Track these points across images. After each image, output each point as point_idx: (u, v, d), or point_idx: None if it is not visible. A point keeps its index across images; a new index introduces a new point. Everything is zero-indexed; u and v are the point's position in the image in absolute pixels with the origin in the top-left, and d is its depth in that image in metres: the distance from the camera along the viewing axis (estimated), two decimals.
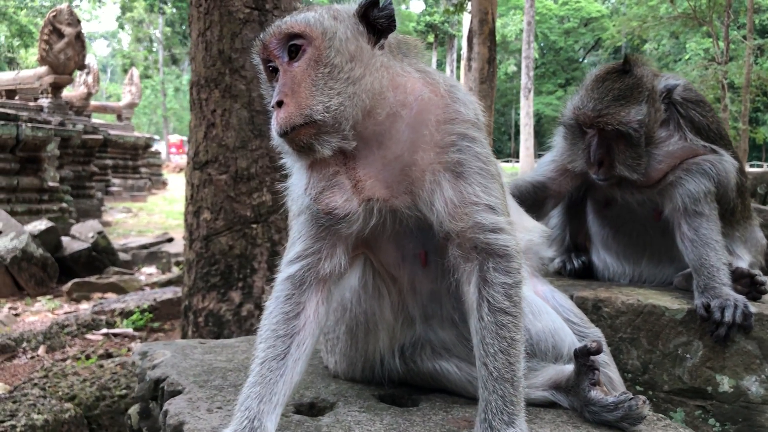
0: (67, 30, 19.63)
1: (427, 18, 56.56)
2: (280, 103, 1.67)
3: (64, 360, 6.31)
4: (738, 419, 2.49)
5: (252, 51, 1.84)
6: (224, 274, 4.80)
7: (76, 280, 10.35)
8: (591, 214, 3.16)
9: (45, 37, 19.43)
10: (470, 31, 14.26)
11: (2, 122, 14.23)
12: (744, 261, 2.93)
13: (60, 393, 5.04)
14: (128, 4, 47.33)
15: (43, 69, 19.53)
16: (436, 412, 1.85)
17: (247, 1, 4.77)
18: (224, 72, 4.78)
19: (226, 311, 4.79)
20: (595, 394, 1.79)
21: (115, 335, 7.19)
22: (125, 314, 7.72)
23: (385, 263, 1.88)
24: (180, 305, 7.85)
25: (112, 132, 24.30)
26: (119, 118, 29.38)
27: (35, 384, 5.25)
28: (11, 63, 46.07)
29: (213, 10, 4.80)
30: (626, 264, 3.06)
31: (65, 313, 9.11)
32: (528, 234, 2.09)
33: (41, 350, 6.62)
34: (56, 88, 19.74)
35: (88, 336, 7.16)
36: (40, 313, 9.17)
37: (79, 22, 20.41)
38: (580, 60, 66.83)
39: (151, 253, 13.77)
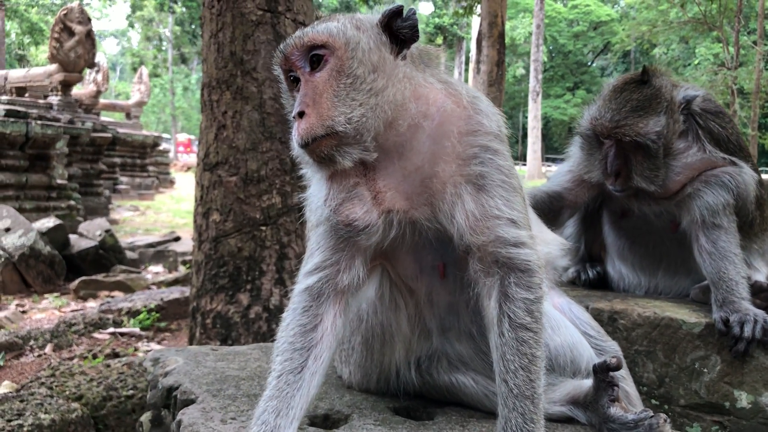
0: (78, 28, 19.70)
1: (436, 20, 56.52)
2: (301, 114, 1.65)
3: (71, 359, 6.31)
4: None
5: (273, 62, 1.81)
6: (233, 276, 4.78)
7: (83, 278, 10.38)
8: (607, 225, 3.13)
9: (55, 35, 19.49)
10: (479, 33, 14.24)
11: (12, 119, 14.29)
12: (762, 274, 2.89)
13: (67, 392, 5.04)
14: (138, 3, 47.49)
15: (53, 67, 19.60)
16: (452, 426, 1.82)
17: (259, 3, 4.75)
18: (236, 74, 4.76)
19: (234, 313, 4.78)
20: (615, 410, 1.76)
21: (122, 334, 7.19)
22: (132, 313, 7.73)
23: (402, 275, 1.86)
24: (187, 305, 7.86)
25: (120, 130, 24.38)
26: (128, 116, 29.46)
27: (42, 383, 5.25)
28: (21, 60, 46.31)
29: (225, 11, 4.79)
30: (642, 275, 3.03)
31: (72, 311, 9.13)
32: (547, 247, 2.07)
33: (48, 348, 6.63)
34: (66, 86, 19.80)
35: (95, 335, 7.16)
36: (47, 310, 9.19)
37: (89, 20, 20.47)
38: (589, 64, 66.63)
39: (158, 252, 13.80)
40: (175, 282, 10.73)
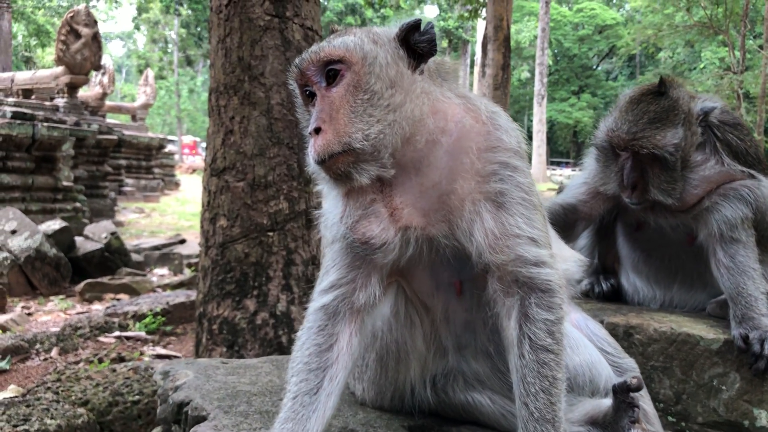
0: (84, 31, 19.75)
1: (441, 23, 56.53)
2: (317, 130, 1.62)
3: (77, 363, 6.30)
4: None
5: (288, 76, 1.78)
6: (239, 281, 4.76)
7: (88, 280, 10.38)
8: (621, 237, 3.08)
9: (62, 38, 19.55)
10: (485, 37, 14.22)
11: (19, 121, 14.32)
12: None
13: (73, 397, 5.03)
14: (144, 5, 47.62)
15: (60, 69, 19.65)
16: None
17: (267, 8, 4.73)
18: (243, 79, 4.74)
19: (241, 319, 4.75)
20: None
21: (128, 338, 7.18)
22: (138, 317, 7.71)
23: (418, 291, 1.83)
24: (193, 309, 7.84)
25: (126, 132, 24.44)
26: (134, 118, 29.53)
27: (48, 388, 5.23)
28: (28, 62, 46.48)
29: (233, 17, 4.77)
30: (657, 288, 2.98)
31: (77, 313, 9.13)
32: (565, 263, 2.03)
33: (54, 352, 6.62)
34: (72, 88, 19.86)
35: (101, 338, 7.15)
36: (53, 312, 9.19)
37: (96, 23, 20.53)
38: (594, 67, 66.49)
39: (164, 255, 13.80)
40: (180, 285, 10.73)
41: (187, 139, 57.00)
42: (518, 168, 1.68)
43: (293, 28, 4.79)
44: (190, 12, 47.10)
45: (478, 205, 1.64)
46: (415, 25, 1.71)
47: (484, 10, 16.66)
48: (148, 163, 25.92)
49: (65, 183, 15.44)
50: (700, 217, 2.72)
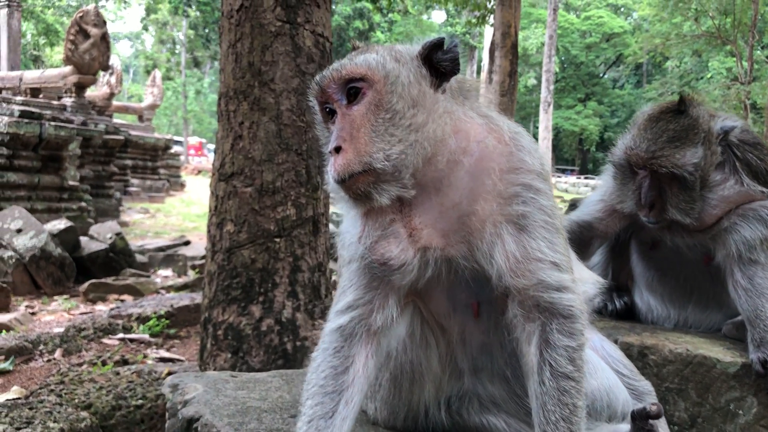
0: (93, 31, 19.83)
1: (449, 29, 56.54)
2: (338, 149, 1.59)
3: (80, 365, 6.29)
4: None
5: (309, 93, 1.76)
6: (245, 287, 4.74)
7: (92, 280, 10.38)
8: (635, 255, 3.04)
9: (71, 37, 19.63)
10: (492, 43, 14.21)
11: (26, 120, 14.37)
12: None
13: (76, 400, 5.01)
14: (153, 6, 47.79)
15: (68, 69, 19.72)
16: None
17: (278, 14, 4.72)
18: (253, 84, 4.73)
19: (246, 325, 4.73)
20: None
21: (132, 341, 7.17)
22: (142, 319, 7.70)
23: (434, 312, 1.80)
24: (197, 312, 7.83)
25: (132, 132, 24.49)
26: (140, 118, 29.61)
27: (52, 390, 5.22)
28: (36, 61, 46.68)
29: (244, 22, 4.76)
30: (671, 308, 2.94)
31: (81, 313, 9.12)
32: (583, 285, 2.00)
33: (58, 353, 6.61)
34: (80, 88, 19.93)
35: (105, 340, 7.14)
36: (57, 312, 9.19)
37: (105, 23, 20.61)
38: (601, 75, 66.46)
39: (168, 256, 13.82)
40: (184, 287, 10.72)
41: (193, 140, 57.13)
42: (541, 190, 1.65)
43: (304, 34, 4.77)
44: (198, 14, 47.23)
45: (499, 228, 1.61)
46: (438, 44, 1.69)
47: (491, 16, 16.66)
48: (153, 163, 25.98)
49: (71, 182, 15.48)
50: (718, 237, 2.68)
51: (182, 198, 26.87)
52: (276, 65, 4.71)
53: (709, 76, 43.20)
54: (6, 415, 4.43)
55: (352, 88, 1.64)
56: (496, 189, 1.63)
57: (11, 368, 6.06)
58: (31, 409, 4.60)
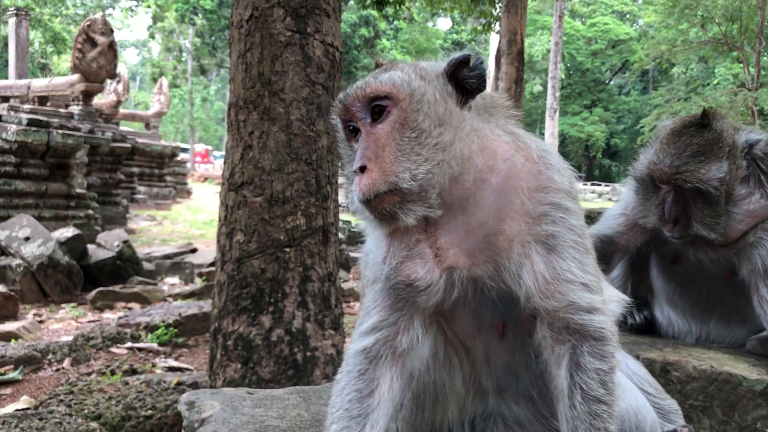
0: (101, 39, 19.95)
1: (454, 36, 56.67)
2: (362, 169, 1.57)
3: (89, 374, 6.28)
4: None
5: (331, 111, 1.73)
6: (255, 297, 4.72)
7: (100, 288, 10.40)
8: (656, 268, 3.00)
9: (78, 46, 19.75)
10: (498, 50, 14.21)
11: (34, 128, 14.45)
12: None
13: (86, 411, 5.00)
14: (160, 14, 48.08)
15: (76, 77, 19.84)
16: None
17: (288, 24, 4.72)
18: (263, 94, 4.73)
19: (256, 335, 4.71)
20: None
21: (140, 350, 7.16)
22: (150, 328, 7.70)
23: (459, 333, 1.77)
24: (205, 321, 7.82)
25: (139, 140, 24.61)
26: (147, 126, 29.74)
27: (61, 400, 5.21)
28: (44, 69, 46.98)
29: (254, 32, 4.76)
30: (693, 322, 2.90)
31: (89, 321, 9.13)
32: (609, 304, 1.96)
33: (66, 363, 6.61)
34: (87, 96, 20.03)
35: (113, 349, 7.14)
36: (64, 320, 9.20)
37: (112, 31, 20.74)
38: (607, 82, 66.44)
39: (175, 264, 13.83)
40: (191, 295, 10.72)
41: (200, 147, 57.34)
42: (570, 209, 1.62)
43: (314, 44, 4.77)
44: (204, 22, 47.52)
45: (527, 248, 1.58)
46: (464, 60, 1.66)
47: (497, 23, 16.67)
48: (160, 171, 26.07)
49: (78, 190, 15.54)
50: (743, 252, 2.64)
51: (189, 205, 26.94)
52: (286, 75, 4.71)
53: (715, 82, 43.13)
54: (16, 426, 4.43)
55: (377, 107, 1.62)
56: (524, 208, 1.60)
57: (20, 378, 6.06)
58: (41, 419, 4.59)
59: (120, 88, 25.10)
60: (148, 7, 48.03)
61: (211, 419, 1.96)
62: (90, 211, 15.68)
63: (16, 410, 5.00)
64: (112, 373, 6.24)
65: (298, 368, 4.68)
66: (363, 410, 1.63)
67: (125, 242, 12.38)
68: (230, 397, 2.16)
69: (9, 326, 8.07)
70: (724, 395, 2.44)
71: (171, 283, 12.71)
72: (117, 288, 10.57)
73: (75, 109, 19.72)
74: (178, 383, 5.61)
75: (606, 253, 2.92)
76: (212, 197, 29.52)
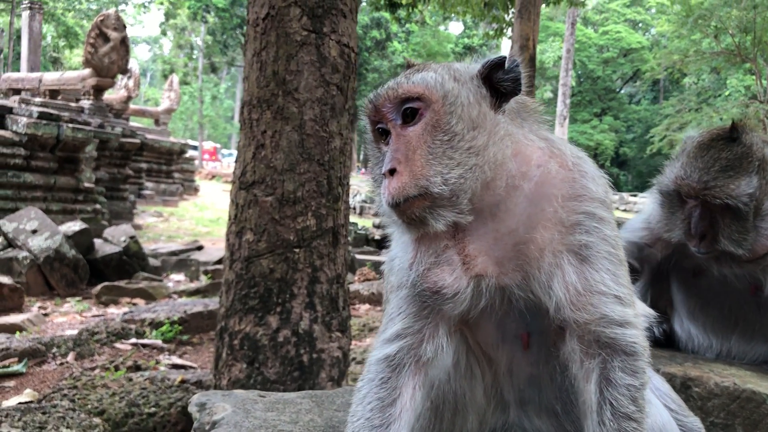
0: (113, 34, 20.02)
1: (465, 40, 56.61)
2: (392, 171, 1.52)
3: (93, 369, 6.26)
4: None
5: (361, 112, 1.68)
6: (263, 297, 4.68)
7: (105, 283, 10.40)
8: (677, 281, 2.92)
9: (91, 41, 19.84)
10: (509, 56, 14.14)
11: (44, 122, 14.49)
12: None
13: (89, 406, 4.98)
14: (172, 11, 48.25)
15: (87, 71, 19.93)
16: None
17: (305, 23, 4.69)
18: (277, 93, 4.70)
19: (263, 336, 4.67)
20: None
21: (144, 346, 7.14)
22: (155, 325, 7.68)
23: (482, 342, 1.72)
24: (210, 319, 7.79)
25: (148, 136, 24.68)
26: (156, 122, 29.84)
27: (65, 395, 5.19)
28: (55, 62, 47.23)
29: (270, 30, 4.73)
30: (714, 337, 2.83)
31: (93, 316, 9.13)
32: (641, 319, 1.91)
33: (70, 357, 6.59)
34: (98, 91, 20.11)
35: (117, 345, 7.12)
36: (69, 314, 9.20)
37: (124, 27, 20.82)
38: (618, 90, 66.24)
39: (181, 260, 13.83)
40: (196, 292, 10.71)
41: (208, 145, 57.50)
42: (605, 219, 1.57)
43: (330, 44, 4.74)
44: (216, 19, 47.66)
45: (559, 257, 1.53)
46: (499, 63, 1.62)
47: (509, 29, 16.62)
48: (168, 167, 26.13)
49: (87, 184, 15.57)
50: None
51: (196, 202, 26.99)
52: (300, 75, 4.68)
53: (727, 93, 42.92)
54: (19, 419, 4.40)
55: (408, 108, 1.57)
56: (556, 216, 1.55)
57: (24, 371, 6.04)
58: (44, 413, 4.57)
59: (131, 83, 25.20)
60: (161, 3, 48.19)
61: (222, 422, 1.91)
62: (97, 206, 15.71)
63: (19, 403, 4.98)
64: (116, 368, 6.22)
65: (303, 370, 4.65)
66: (385, 420, 1.58)
67: (132, 238, 12.40)
68: (242, 400, 2.11)
69: (14, 318, 8.07)
70: (746, 413, 2.38)
71: (176, 279, 12.71)
72: (122, 283, 10.58)
73: (85, 103, 19.79)
74: (182, 381, 5.58)
75: (631, 266, 2.84)
76: (219, 195, 29.58)
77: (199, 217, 23.03)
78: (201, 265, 13.29)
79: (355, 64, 4.95)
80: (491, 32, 18.20)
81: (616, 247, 1.58)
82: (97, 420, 4.72)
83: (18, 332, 7.50)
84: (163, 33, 52.77)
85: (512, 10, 15.64)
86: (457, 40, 58.26)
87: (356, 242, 16.79)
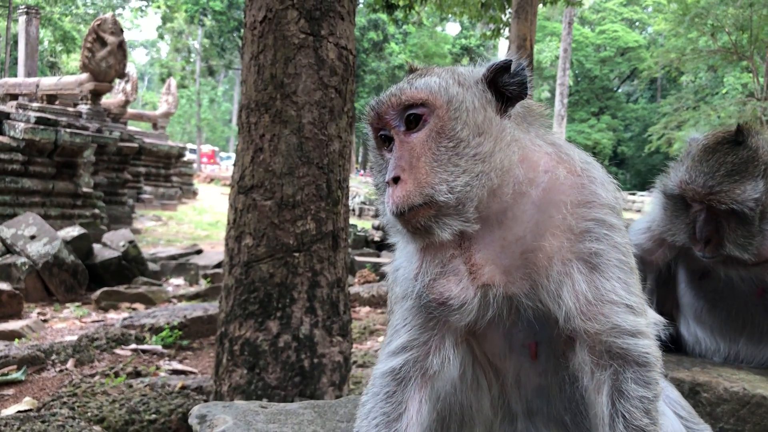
0: (110, 39, 20.00)
1: (463, 41, 56.62)
2: (396, 179, 1.48)
3: (92, 376, 6.22)
4: None
5: (363, 119, 1.64)
6: (263, 302, 4.65)
7: (105, 288, 10.37)
8: (683, 284, 2.88)
9: (88, 45, 19.81)
10: (507, 57, 14.13)
11: (42, 127, 14.45)
12: None
13: (89, 414, 4.94)
14: (169, 15, 48.24)
15: (85, 76, 19.89)
16: None
17: (302, 26, 4.66)
18: (275, 97, 4.67)
19: (263, 341, 4.64)
20: None
21: (144, 351, 7.10)
22: (155, 330, 7.64)
23: (489, 353, 1.68)
24: (210, 324, 7.75)
25: (146, 140, 24.63)
26: (154, 126, 29.80)
27: (64, 403, 5.16)
28: (53, 67, 47.17)
29: (267, 33, 4.70)
30: (721, 341, 2.79)
31: (93, 321, 9.08)
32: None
33: (70, 364, 6.55)
34: (96, 95, 20.08)
35: (117, 351, 7.08)
36: (68, 320, 9.16)
37: (122, 31, 20.79)
38: (615, 89, 66.27)
39: (180, 265, 13.80)
40: (196, 296, 10.68)
41: (206, 148, 57.47)
42: (615, 226, 1.53)
43: (328, 46, 4.71)
44: (214, 23, 47.66)
45: (568, 266, 1.49)
46: (504, 66, 1.58)
47: (507, 29, 16.60)
48: (166, 171, 26.10)
49: (85, 189, 15.54)
50: None
51: (194, 206, 26.95)
52: (299, 78, 4.65)
53: (724, 91, 42.96)
54: (18, 428, 4.36)
55: (412, 114, 1.53)
56: (565, 223, 1.51)
57: (23, 378, 6.00)
58: (43, 422, 4.53)
59: (128, 87, 25.15)
60: (158, 7, 48.20)
61: None
62: (96, 211, 15.67)
63: (18, 412, 4.94)
64: (116, 375, 6.17)
65: (304, 375, 4.61)
66: None
67: (131, 242, 12.35)
68: (243, 411, 2.07)
69: (13, 325, 8.03)
70: (756, 419, 2.35)
71: (176, 284, 12.67)
72: (122, 288, 10.54)
73: (83, 108, 19.75)
74: (183, 387, 5.54)
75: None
76: (218, 198, 29.54)
77: (197, 221, 22.99)
78: (200, 269, 13.25)
79: (353, 67, 4.92)
80: (488, 33, 18.19)
81: (627, 254, 1.54)
82: (97, 428, 4.67)
83: (17, 339, 7.46)
84: (161, 37, 52.75)
85: (509, 10, 15.62)
86: (454, 41, 58.25)
87: (356, 244, 16.76)
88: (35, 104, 18.84)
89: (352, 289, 10.35)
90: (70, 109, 19.68)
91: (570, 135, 53.89)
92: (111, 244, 12.38)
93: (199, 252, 15.37)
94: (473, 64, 1.66)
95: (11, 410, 5.10)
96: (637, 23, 65.00)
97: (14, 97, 21.11)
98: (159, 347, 7.19)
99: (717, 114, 33.21)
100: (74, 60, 43.96)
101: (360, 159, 62.21)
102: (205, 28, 48.41)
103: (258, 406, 2.17)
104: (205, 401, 5.17)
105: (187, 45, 51.85)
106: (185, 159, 29.17)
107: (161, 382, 5.69)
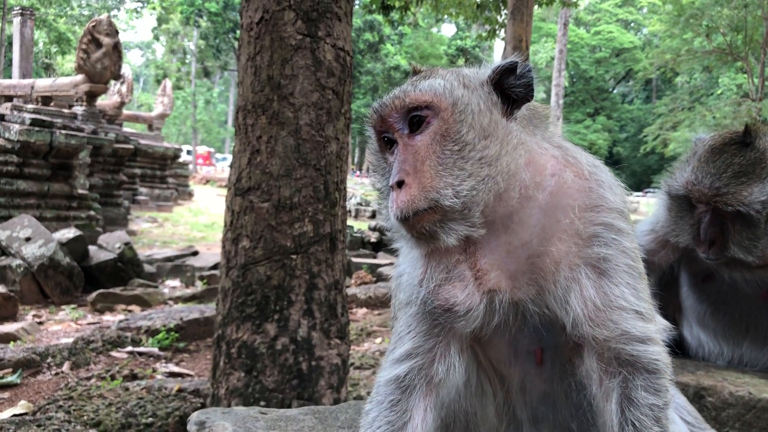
0: (106, 40, 19.92)
1: (458, 42, 56.68)
2: (400, 183, 1.45)
3: (88, 378, 6.19)
4: None
5: (366, 121, 1.60)
6: (260, 304, 4.63)
7: (100, 290, 10.32)
8: (686, 287, 2.86)
9: (83, 46, 19.72)
10: (503, 58, 14.12)
11: (37, 128, 14.39)
12: None
13: (85, 417, 4.91)
14: (164, 16, 48.17)
15: (80, 77, 19.80)
16: None
17: (299, 27, 4.64)
18: (272, 98, 4.64)
19: (260, 344, 4.61)
20: None
21: (140, 354, 7.07)
22: (151, 332, 7.61)
23: (493, 359, 1.65)
24: (206, 326, 7.72)
25: (142, 141, 24.56)
26: (150, 127, 29.71)
27: (60, 406, 5.12)
28: (48, 69, 47.01)
29: (264, 35, 4.68)
30: (724, 344, 2.76)
31: (89, 324, 9.04)
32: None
33: (66, 366, 6.51)
34: (91, 97, 19.99)
35: (113, 353, 7.05)
36: (64, 322, 9.11)
37: (117, 32, 20.71)
38: (610, 90, 66.44)
39: (176, 266, 13.76)
40: (192, 298, 10.65)
41: (202, 149, 57.36)
42: (623, 231, 1.51)
43: (325, 48, 4.69)
44: (209, 24, 47.59)
45: (576, 271, 1.46)
46: (510, 68, 1.55)
47: (502, 30, 16.61)
48: (162, 172, 26.02)
49: (80, 191, 15.48)
50: None
51: (190, 207, 26.88)
52: (296, 79, 4.63)
53: (719, 92, 43.09)
54: None
55: (416, 117, 1.50)
56: (573, 228, 1.48)
57: (19, 381, 5.96)
58: (39, 426, 4.50)
59: (124, 89, 25.08)
60: (153, 9, 48.09)
61: None
62: (91, 212, 15.61)
63: (14, 416, 4.91)
64: (112, 378, 6.14)
65: (302, 378, 4.59)
66: None
67: (126, 244, 12.31)
68: (242, 418, 2.05)
69: (8, 327, 7.98)
70: (763, 423, 2.32)
71: (172, 285, 12.63)
72: (118, 290, 10.50)
73: (78, 109, 19.66)
74: (180, 390, 5.51)
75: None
76: (214, 200, 29.48)
77: (193, 222, 22.93)
78: (196, 271, 13.22)
79: (350, 68, 4.90)
80: (484, 34, 18.17)
81: (636, 259, 1.51)
82: (93, 431, 4.65)
83: (12, 342, 7.41)
84: (156, 38, 52.69)
85: (505, 11, 15.63)
86: (449, 42, 58.29)
87: (352, 245, 16.73)
88: (30, 106, 18.74)
89: (349, 291, 10.33)
90: (66, 110, 19.58)
91: (566, 136, 54.03)
92: (107, 246, 12.33)
93: (195, 253, 15.32)
94: (478, 65, 1.62)
95: (6, 414, 5.06)
96: (632, 24, 65.22)
97: (9, 98, 21.00)
98: (155, 350, 7.15)
99: (712, 115, 33.32)
100: (69, 61, 43.80)
101: (356, 160, 62.18)
102: (201, 29, 48.37)
103: (258, 412, 2.15)
104: (202, 404, 5.14)
105: (182, 46, 51.75)
106: (181, 160, 29.11)
107: (158, 384, 5.66)
